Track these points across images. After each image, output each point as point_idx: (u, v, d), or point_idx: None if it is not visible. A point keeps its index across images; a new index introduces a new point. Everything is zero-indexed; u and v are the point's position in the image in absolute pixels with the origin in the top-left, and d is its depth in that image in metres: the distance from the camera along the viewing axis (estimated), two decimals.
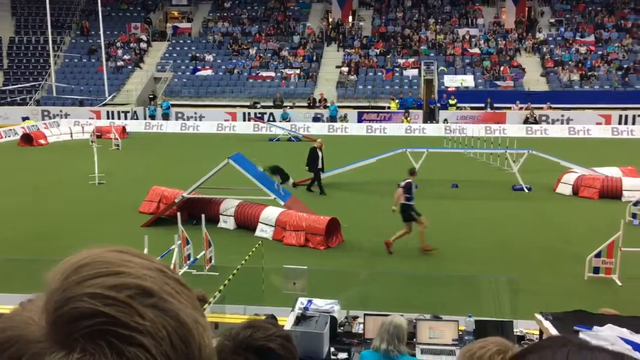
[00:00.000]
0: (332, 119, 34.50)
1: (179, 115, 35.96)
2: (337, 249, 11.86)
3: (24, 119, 35.05)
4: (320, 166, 17.14)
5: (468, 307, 6.10)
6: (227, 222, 13.33)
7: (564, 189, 16.86)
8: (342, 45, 41.67)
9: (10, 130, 30.42)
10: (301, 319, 5.20)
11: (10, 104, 38.41)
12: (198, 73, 39.78)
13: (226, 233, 12.89)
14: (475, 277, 7.93)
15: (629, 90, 34.56)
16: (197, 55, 41.31)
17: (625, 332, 2.60)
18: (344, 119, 34.75)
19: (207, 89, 38.28)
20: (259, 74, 39.13)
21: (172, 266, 8.31)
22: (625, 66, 36.31)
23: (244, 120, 35.07)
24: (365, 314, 5.39)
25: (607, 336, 2.58)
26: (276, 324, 1.74)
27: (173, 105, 36.37)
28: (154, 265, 0.73)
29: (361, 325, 5.40)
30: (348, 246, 12.05)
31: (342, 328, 5.47)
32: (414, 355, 4.75)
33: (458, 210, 15.05)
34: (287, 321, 5.19)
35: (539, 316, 2.97)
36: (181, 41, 43.69)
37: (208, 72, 39.86)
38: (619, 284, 9.64)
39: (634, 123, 32.27)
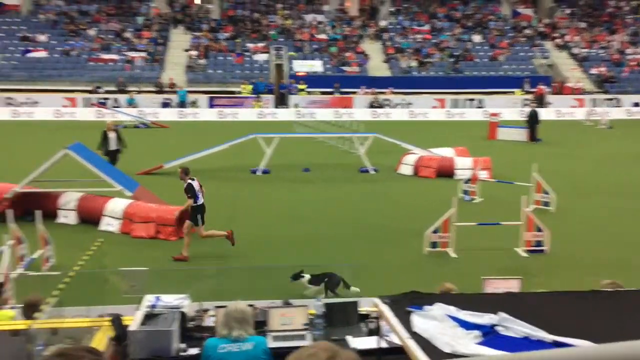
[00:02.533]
0: (182, 104, 33.54)
1: (9, 100, 32.68)
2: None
3: None
4: (114, 148, 16.89)
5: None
6: (67, 217, 12.44)
7: (405, 169, 17.99)
8: (189, 28, 40.49)
9: None
10: (149, 317, 5.00)
11: None
12: (29, 55, 36.38)
13: (68, 229, 12.04)
14: (322, 265, 8.22)
15: (459, 76, 37.67)
16: (28, 35, 37.75)
17: (452, 310, 2.83)
18: (195, 104, 33.95)
19: (42, 72, 35.15)
20: (100, 57, 36.76)
21: (2, 269, 7.56)
22: (456, 54, 39.44)
23: (85, 106, 32.80)
24: (216, 307, 5.32)
25: (436, 315, 2.78)
26: (94, 352, 1.61)
27: (1, 90, 32.96)
28: None
29: (213, 318, 5.33)
30: None
31: (192, 323, 5.35)
32: (263, 335, 4.85)
33: (310, 194, 15.44)
34: (132, 320, 4.96)
35: (376, 300, 3.13)
36: (8, 19, 39.60)
37: (41, 53, 36.60)
38: (454, 256, 10.53)
39: (464, 106, 35.26)
